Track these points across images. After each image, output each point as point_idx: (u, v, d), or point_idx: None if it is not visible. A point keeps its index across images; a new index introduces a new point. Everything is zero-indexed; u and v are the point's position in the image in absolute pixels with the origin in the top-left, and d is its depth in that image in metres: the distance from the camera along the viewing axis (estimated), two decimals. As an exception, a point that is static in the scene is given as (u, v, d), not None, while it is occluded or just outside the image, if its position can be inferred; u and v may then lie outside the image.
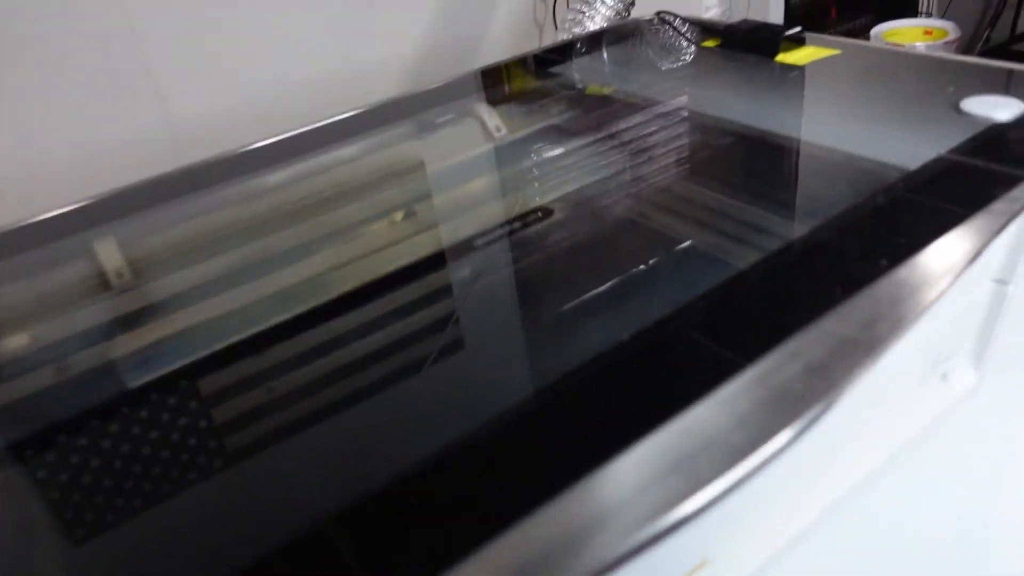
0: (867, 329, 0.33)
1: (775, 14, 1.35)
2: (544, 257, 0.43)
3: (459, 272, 0.43)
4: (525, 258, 0.43)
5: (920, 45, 0.86)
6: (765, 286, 0.37)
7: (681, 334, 0.34)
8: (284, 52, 0.85)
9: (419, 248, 0.47)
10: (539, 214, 0.48)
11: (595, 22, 0.90)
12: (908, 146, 0.48)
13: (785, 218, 0.44)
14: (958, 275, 0.35)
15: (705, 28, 0.74)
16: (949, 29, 0.89)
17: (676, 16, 0.80)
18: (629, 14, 0.91)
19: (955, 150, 0.46)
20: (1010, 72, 0.55)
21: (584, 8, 0.91)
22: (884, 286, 0.35)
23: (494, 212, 0.50)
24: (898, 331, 0.33)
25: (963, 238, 0.38)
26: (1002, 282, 0.45)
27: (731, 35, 0.70)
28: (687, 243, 0.43)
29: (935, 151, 0.46)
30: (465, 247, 0.45)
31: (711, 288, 0.37)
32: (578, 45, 0.81)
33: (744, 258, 0.41)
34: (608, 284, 0.39)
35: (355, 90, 0.92)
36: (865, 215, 0.41)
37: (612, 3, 0.90)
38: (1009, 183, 0.42)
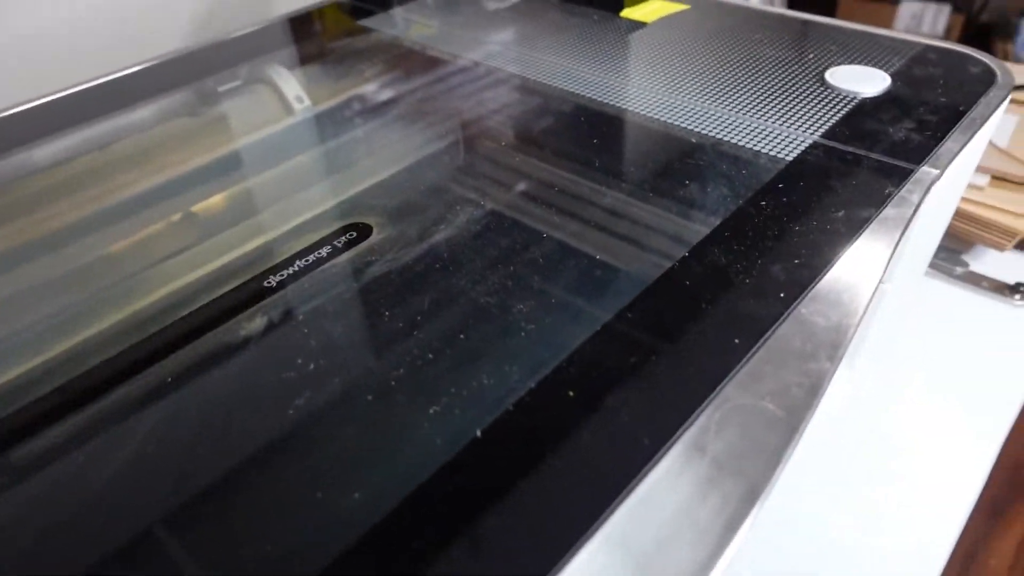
0: (781, 396, 0.26)
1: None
2: (361, 304, 0.32)
3: (237, 328, 0.32)
4: (333, 307, 0.32)
5: (755, -6, 0.82)
6: (646, 331, 0.29)
7: (561, 407, 0.26)
8: None
9: (168, 289, 0.35)
10: (352, 234, 0.36)
11: None
12: (776, 127, 0.42)
13: (650, 228, 0.36)
14: (860, 317, 0.29)
15: (539, -26, 0.64)
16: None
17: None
18: None
19: (828, 134, 0.41)
20: (872, 38, 0.50)
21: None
22: (785, 331, 0.29)
23: (289, 230, 0.38)
24: (813, 397, 0.26)
25: (858, 258, 0.32)
26: (881, 282, 0.41)
27: (569, -16, 0.60)
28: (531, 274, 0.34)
29: (806, 135, 0.41)
30: (250, 287, 0.34)
31: (578, 342, 0.29)
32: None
33: (608, 289, 0.32)
34: (452, 344, 0.30)
35: (122, 38, 0.73)
36: (738, 223, 0.34)
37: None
38: (893, 175, 0.37)
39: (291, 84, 0.56)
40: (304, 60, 0.60)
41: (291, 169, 0.47)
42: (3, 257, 0.40)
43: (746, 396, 0.26)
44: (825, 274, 0.31)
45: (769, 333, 0.28)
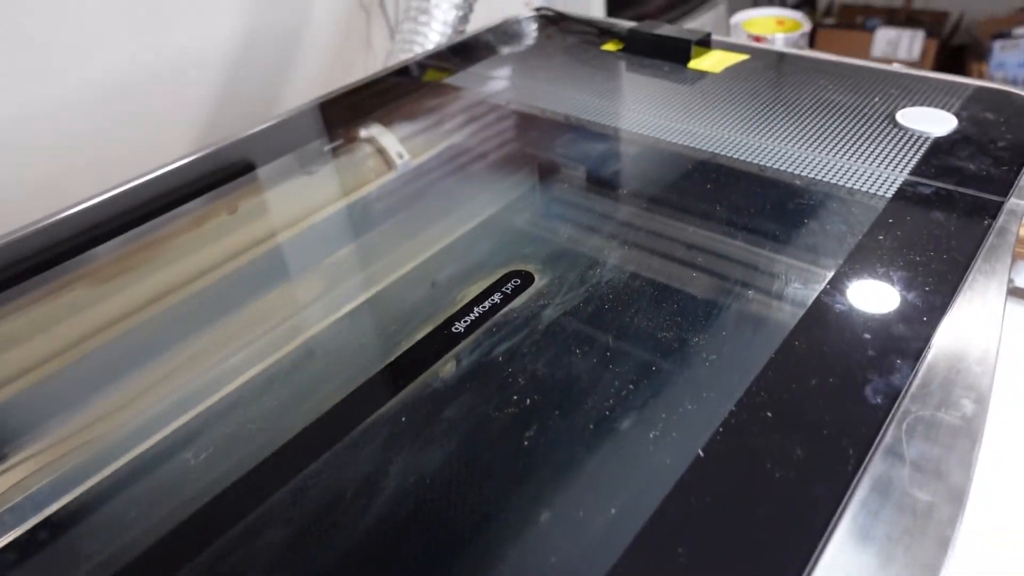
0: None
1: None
2: (554, 343, 0.36)
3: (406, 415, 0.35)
4: (528, 347, 0.36)
5: (779, 36, 0.88)
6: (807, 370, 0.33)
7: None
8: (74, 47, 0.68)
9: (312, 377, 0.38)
10: (516, 280, 0.40)
11: (438, 22, 0.81)
12: (864, 166, 0.47)
13: (774, 274, 0.41)
14: (997, 353, 0.34)
15: (602, 30, 0.69)
16: (800, 20, 0.93)
17: (562, 15, 0.74)
18: (468, 20, 0.83)
19: (916, 172, 0.45)
20: (927, 81, 0.56)
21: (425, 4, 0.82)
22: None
23: (453, 279, 0.42)
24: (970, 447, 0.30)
25: (976, 289, 0.37)
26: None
27: (636, 39, 0.65)
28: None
29: (895, 173, 0.46)
30: (441, 335, 0.37)
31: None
32: (462, 51, 0.73)
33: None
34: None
35: (155, 98, 0.76)
36: (864, 258, 0.39)
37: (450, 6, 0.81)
38: (986, 207, 0.42)
39: (392, 141, 0.60)
40: (400, 119, 0.64)
41: (414, 223, 0.51)
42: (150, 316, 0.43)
43: (923, 407, 0.30)
44: (955, 301, 0.35)
45: (918, 365, 0.33)
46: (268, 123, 0.61)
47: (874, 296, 0.36)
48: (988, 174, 0.45)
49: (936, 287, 0.36)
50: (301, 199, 0.54)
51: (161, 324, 0.43)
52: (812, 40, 2.22)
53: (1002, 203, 0.42)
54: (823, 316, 0.35)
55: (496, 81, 0.65)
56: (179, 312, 0.43)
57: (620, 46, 0.67)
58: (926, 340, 0.33)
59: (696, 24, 1.61)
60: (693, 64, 0.62)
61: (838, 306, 0.36)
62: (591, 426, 0.31)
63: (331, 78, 0.68)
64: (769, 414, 0.30)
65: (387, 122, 0.61)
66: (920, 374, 0.32)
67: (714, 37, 0.66)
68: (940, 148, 0.48)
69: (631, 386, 0.33)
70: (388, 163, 0.59)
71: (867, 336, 0.34)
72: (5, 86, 0.65)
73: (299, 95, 0.90)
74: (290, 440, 0.33)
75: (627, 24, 0.68)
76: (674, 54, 0.63)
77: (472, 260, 0.44)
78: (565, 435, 0.31)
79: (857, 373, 0.32)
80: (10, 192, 0.68)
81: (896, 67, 0.60)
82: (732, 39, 0.95)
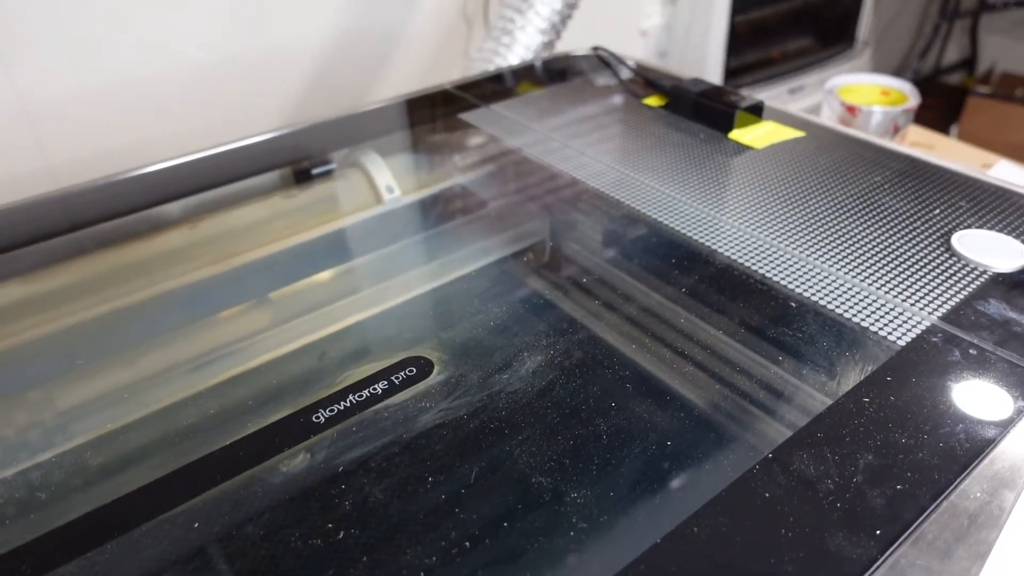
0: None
1: (716, 32, 1.26)
2: (403, 464, 0.30)
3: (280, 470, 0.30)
4: (376, 463, 0.30)
5: (877, 109, 0.77)
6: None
7: None
8: (166, 34, 0.69)
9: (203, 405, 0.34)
10: (411, 370, 0.35)
11: (520, 45, 0.77)
12: (889, 299, 0.37)
13: (731, 416, 0.33)
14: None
15: (649, 81, 0.62)
16: (908, 92, 0.81)
17: (617, 57, 0.67)
18: (553, 47, 0.78)
19: (950, 317, 0.36)
20: (1011, 197, 0.45)
21: (514, 17, 0.78)
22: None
23: (349, 349, 0.37)
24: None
25: (977, 495, 0.27)
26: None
27: (679, 97, 0.58)
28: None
29: (923, 314, 0.36)
30: (297, 421, 0.32)
31: (625, 563, 0.25)
32: (499, 82, 0.68)
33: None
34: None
35: (246, 81, 0.77)
36: (834, 422, 0.30)
37: (547, 14, 0.77)
38: (1024, 386, 0.32)
39: (384, 173, 0.55)
40: (400, 149, 0.60)
41: (366, 267, 0.46)
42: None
43: None
44: (933, 512, 0.27)
45: (858, 585, 0.24)
46: (267, 135, 0.58)
47: (818, 485, 0.28)
48: (1045, 338, 0.35)
49: (912, 489, 0.27)
50: (263, 225, 0.51)
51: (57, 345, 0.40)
52: (960, 107, 2.02)
53: (1048, 384, 0.32)
54: (739, 497, 0.27)
55: (518, 121, 0.59)
56: (79, 336, 0.41)
57: (663, 102, 0.60)
58: (865, 568, 0.25)
59: (818, 79, 1.47)
60: (735, 135, 0.54)
61: (763, 489, 0.28)
62: (393, 589, 0.25)
63: (423, 84, 0.67)
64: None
65: (386, 151, 0.57)
66: None
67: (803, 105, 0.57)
68: (994, 289, 0.38)
69: (467, 544, 0.26)
70: (376, 195, 0.55)
71: (784, 534, 0.26)
72: (108, 58, 0.67)
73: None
74: (81, 517, 0.28)
75: (683, 79, 0.61)
76: (716, 120, 0.55)
77: (386, 334, 0.38)
78: (360, 593, 0.25)
79: (753, 595, 0.24)
80: (96, 155, 0.70)
81: (996, 169, 0.50)
82: (824, 107, 0.84)
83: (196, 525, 0.28)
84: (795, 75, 1.49)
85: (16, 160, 0.67)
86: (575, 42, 0.76)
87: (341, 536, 0.27)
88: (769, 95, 1.37)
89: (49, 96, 0.66)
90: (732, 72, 1.37)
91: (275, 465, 0.30)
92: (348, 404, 0.33)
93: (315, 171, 0.56)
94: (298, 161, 0.57)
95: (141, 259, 0.48)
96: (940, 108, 1.94)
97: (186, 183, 0.54)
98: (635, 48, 1.24)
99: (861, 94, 0.82)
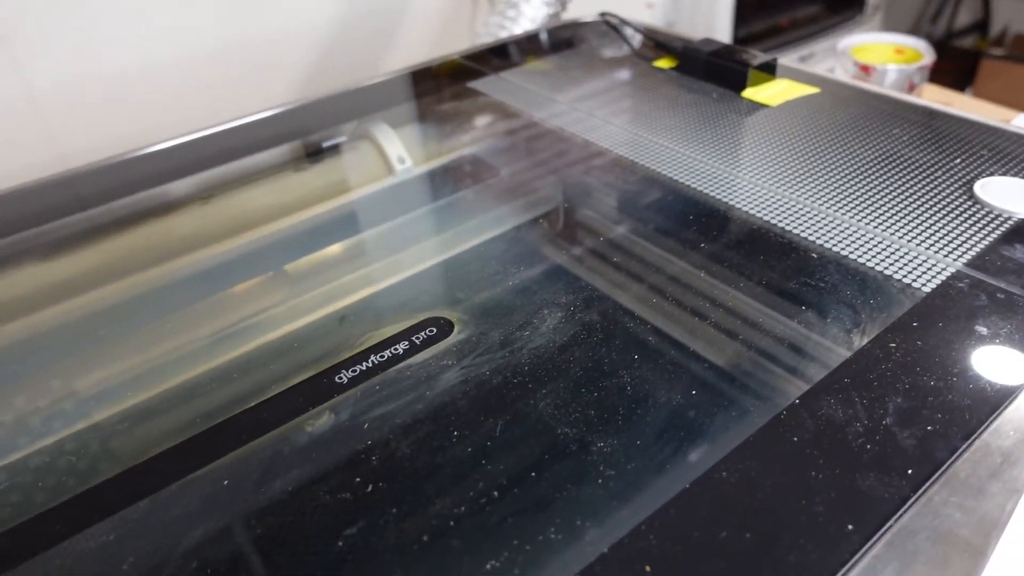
0: None
1: (724, 0, 1.24)
2: (426, 422, 0.30)
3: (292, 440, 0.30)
4: (400, 420, 0.30)
5: (892, 67, 0.76)
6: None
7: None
8: (166, 22, 0.69)
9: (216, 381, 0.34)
10: (432, 330, 0.34)
11: (526, 18, 0.76)
12: (912, 247, 0.37)
13: (756, 364, 0.32)
14: (1008, 518, 0.24)
15: (659, 44, 0.61)
16: (923, 50, 0.80)
17: (625, 22, 0.67)
18: (565, 8, 0.77)
19: (975, 263, 0.35)
20: (1031, 146, 0.44)
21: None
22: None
23: (369, 312, 0.37)
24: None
25: (1010, 433, 0.27)
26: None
27: (690, 58, 0.57)
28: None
29: (947, 260, 0.36)
30: (321, 382, 0.32)
31: (655, 507, 0.25)
32: (506, 51, 0.67)
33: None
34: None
35: (254, 64, 0.76)
36: (861, 368, 0.30)
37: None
38: (1053, 327, 0.31)
39: (395, 144, 0.55)
40: (410, 119, 0.59)
41: (382, 237, 0.46)
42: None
43: None
44: (965, 451, 0.26)
45: (890, 523, 0.24)
46: (276, 109, 0.58)
47: (847, 428, 0.27)
48: (1074, 280, 0.34)
49: (943, 430, 0.27)
50: (276, 198, 0.51)
51: (77, 319, 0.40)
52: (974, 71, 1.99)
53: (1079, 324, 0.31)
54: (769, 443, 0.27)
55: (527, 88, 0.59)
56: (100, 308, 0.41)
57: (674, 63, 0.59)
58: (899, 505, 0.25)
59: (828, 46, 1.45)
60: (748, 93, 0.53)
61: (792, 434, 0.27)
62: (410, 536, 0.25)
63: (430, 58, 0.67)
64: (648, 569, 0.23)
65: (397, 122, 0.57)
66: (869, 555, 0.23)
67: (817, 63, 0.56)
68: (1020, 234, 0.37)
69: (496, 495, 0.26)
70: (388, 167, 0.55)
71: (814, 477, 0.25)
72: (114, 45, 0.67)
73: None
74: (112, 478, 0.29)
75: (691, 40, 0.60)
76: (729, 79, 0.54)
77: (405, 299, 0.38)
78: (389, 543, 0.25)
79: (783, 532, 0.24)
80: (106, 143, 0.70)
81: (1016, 121, 0.49)
82: (837, 68, 0.83)
83: (225, 483, 0.28)
84: (805, 42, 1.47)
85: (26, 148, 0.67)
86: (581, 13, 0.75)
87: (369, 490, 0.27)
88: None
89: (57, 84, 0.66)
90: (740, 41, 1.35)
91: (300, 425, 0.30)
92: (370, 364, 0.33)
93: (326, 144, 0.56)
94: (308, 135, 0.56)
95: (155, 236, 0.48)
96: (953, 72, 1.91)
97: (197, 160, 0.53)
98: (642, 20, 1.22)
99: (874, 53, 0.81)
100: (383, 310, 0.38)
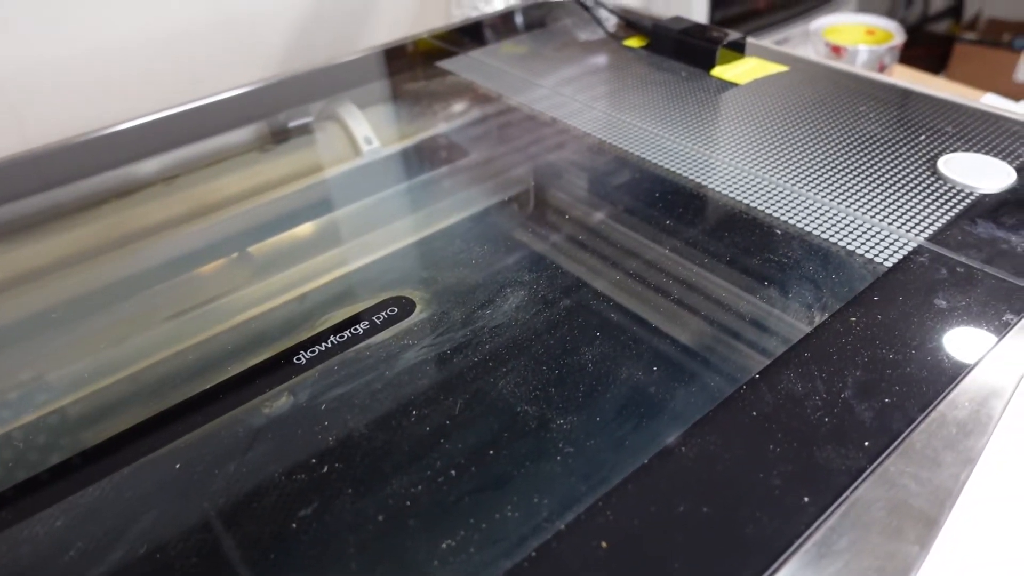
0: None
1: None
2: (384, 402, 0.30)
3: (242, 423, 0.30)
4: (358, 400, 0.30)
5: (863, 48, 0.76)
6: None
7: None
8: None
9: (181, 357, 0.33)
10: (392, 309, 0.34)
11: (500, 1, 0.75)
12: (875, 223, 0.37)
13: (718, 339, 0.32)
14: (961, 488, 0.25)
15: (630, 23, 0.61)
16: (893, 31, 0.80)
17: (598, 2, 0.66)
18: None
19: (936, 237, 0.36)
20: (997, 121, 0.45)
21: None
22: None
23: (330, 293, 0.36)
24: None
25: (965, 405, 0.27)
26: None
27: (660, 36, 0.57)
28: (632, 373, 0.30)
29: (909, 235, 0.36)
30: (279, 363, 0.32)
31: (615, 481, 0.25)
32: (477, 30, 0.66)
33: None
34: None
35: (226, 44, 0.75)
36: (821, 342, 0.30)
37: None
38: (1014, 297, 0.32)
39: (361, 124, 0.54)
40: (378, 99, 0.59)
41: (345, 219, 0.46)
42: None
43: (811, 576, 0.22)
44: (921, 423, 0.26)
45: (846, 494, 0.24)
46: (242, 89, 0.57)
47: (807, 401, 0.27)
48: (1032, 254, 0.34)
49: (900, 402, 0.27)
50: (241, 179, 0.50)
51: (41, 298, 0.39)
52: (947, 56, 2.01)
53: (1036, 297, 0.32)
54: (728, 416, 0.27)
55: (497, 67, 0.58)
56: (69, 285, 0.40)
57: (644, 42, 0.59)
58: (854, 477, 0.25)
59: (804, 31, 1.45)
60: (717, 71, 0.53)
61: (751, 408, 0.27)
62: (365, 518, 0.25)
63: (397, 40, 0.66)
64: (604, 544, 0.23)
65: (364, 102, 0.56)
66: (824, 527, 0.23)
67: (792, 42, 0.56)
68: (980, 209, 0.38)
69: (452, 474, 0.26)
70: (354, 147, 0.54)
71: (772, 450, 0.25)
72: (83, 25, 0.65)
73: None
74: (65, 460, 0.28)
75: (661, 19, 0.59)
76: (698, 58, 0.54)
77: (366, 279, 0.38)
78: (348, 520, 0.25)
79: (740, 504, 0.24)
80: (75, 126, 0.68)
81: (984, 100, 0.49)
82: (809, 49, 0.83)
83: (178, 466, 0.27)
84: (781, 26, 1.47)
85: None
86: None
87: (325, 470, 0.26)
88: (754, 45, 1.34)
89: (21, 67, 0.64)
90: (717, 24, 1.35)
91: (257, 407, 0.30)
92: (329, 345, 0.32)
93: (292, 124, 0.55)
94: (274, 115, 0.55)
95: (118, 217, 0.47)
96: (927, 58, 1.92)
97: (161, 139, 0.52)
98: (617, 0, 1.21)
99: (846, 34, 0.81)
100: (345, 291, 0.37)
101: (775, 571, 0.22)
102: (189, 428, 0.29)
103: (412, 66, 0.62)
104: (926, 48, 1.96)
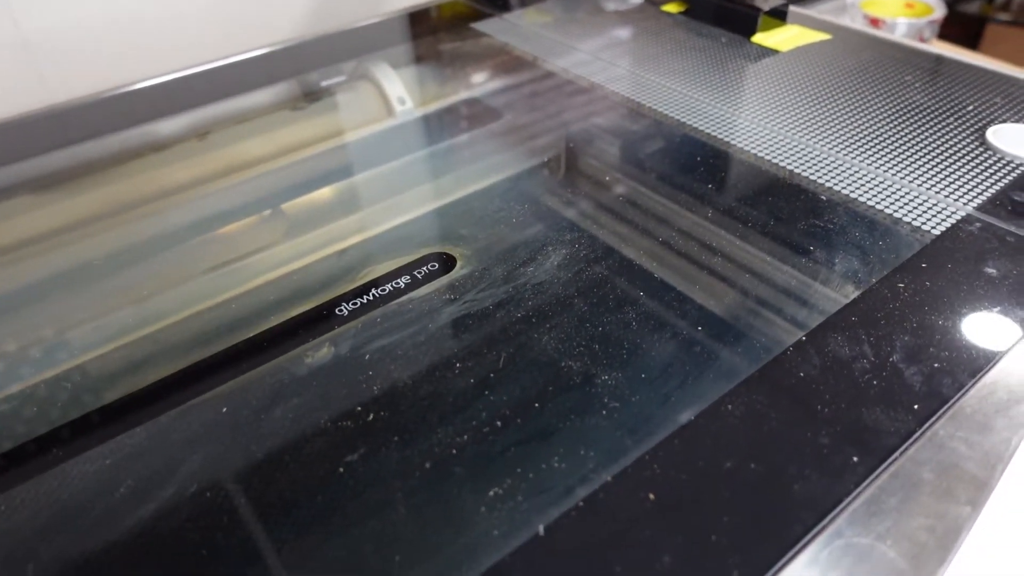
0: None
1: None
2: (427, 355, 0.30)
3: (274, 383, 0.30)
4: (402, 351, 0.30)
5: (902, 21, 0.74)
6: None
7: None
8: None
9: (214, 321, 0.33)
10: (433, 265, 0.34)
11: None
12: (922, 191, 0.36)
13: (763, 302, 0.32)
14: (1013, 452, 0.24)
15: (667, -13, 0.60)
16: (933, 4, 0.78)
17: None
18: None
19: (985, 207, 0.35)
20: (1044, 93, 0.44)
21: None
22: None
23: (370, 249, 0.36)
24: (944, 550, 0.22)
25: (1018, 372, 0.27)
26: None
27: (699, 3, 0.56)
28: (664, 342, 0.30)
29: (957, 204, 0.35)
30: (320, 315, 0.32)
31: (659, 439, 0.25)
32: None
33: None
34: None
35: (249, 9, 0.74)
36: (868, 308, 0.30)
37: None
38: (1063, 271, 0.31)
39: (395, 84, 0.54)
40: (411, 60, 0.58)
41: (382, 178, 0.45)
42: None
43: (861, 533, 0.22)
44: (971, 388, 0.26)
45: (895, 455, 0.24)
46: (273, 47, 0.56)
47: (854, 364, 0.27)
48: (1085, 225, 0.34)
49: (950, 368, 0.27)
50: (274, 137, 0.50)
51: (76, 252, 0.40)
52: (978, 36, 1.96)
53: (1089, 267, 0.31)
54: (776, 377, 0.27)
55: (531, 29, 0.57)
56: (99, 243, 0.40)
57: (683, 8, 0.58)
58: (904, 439, 0.24)
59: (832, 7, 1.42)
60: (758, 38, 0.52)
61: (799, 370, 0.27)
62: (411, 466, 0.25)
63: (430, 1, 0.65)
64: (652, 496, 0.23)
65: (399, 62, 0.56)
66: (874, 486, 0.23)
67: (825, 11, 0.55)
68: (1031, 181, 0.37)
69: (498, 426, 0.26)
70: (388, 108, 0.53)
71: (820, 411, 0.25)
72: None
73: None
74: (114, 402, 0.28)
75: (699, -16, 0.58)
76: (738, 24, 0.53)
77: (406, 235, 0.38)
78: (386, 472, 0.25)
79: (790, 464, 0.24)
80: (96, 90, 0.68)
81: (1014, 73, 0.48)
82: (846, 20, 0.81)
83: (224, 410, 0.27)
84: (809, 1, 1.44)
85: (19, 95, 0.65)
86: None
87: (371, 418, 0.27)
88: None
89: (51, 29, 0.64)
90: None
91: (300, 356, 0.30)
92: (371, 298, 0.32)
93: (324, 84, 0.55)
94: (306, 73, 0.55)
95: (154, 171, 0.47)
96: (959, 39, 1.88)
97: (193, 97, 0.52)
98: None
99: (884, 7, 0.79)
100: (384, 247, 0.37)
101: (824, 527, 0.22)
102: (235, 375, 0.29)
103: (445, 27, 0.61)
104: (958, 28, 1.92)
